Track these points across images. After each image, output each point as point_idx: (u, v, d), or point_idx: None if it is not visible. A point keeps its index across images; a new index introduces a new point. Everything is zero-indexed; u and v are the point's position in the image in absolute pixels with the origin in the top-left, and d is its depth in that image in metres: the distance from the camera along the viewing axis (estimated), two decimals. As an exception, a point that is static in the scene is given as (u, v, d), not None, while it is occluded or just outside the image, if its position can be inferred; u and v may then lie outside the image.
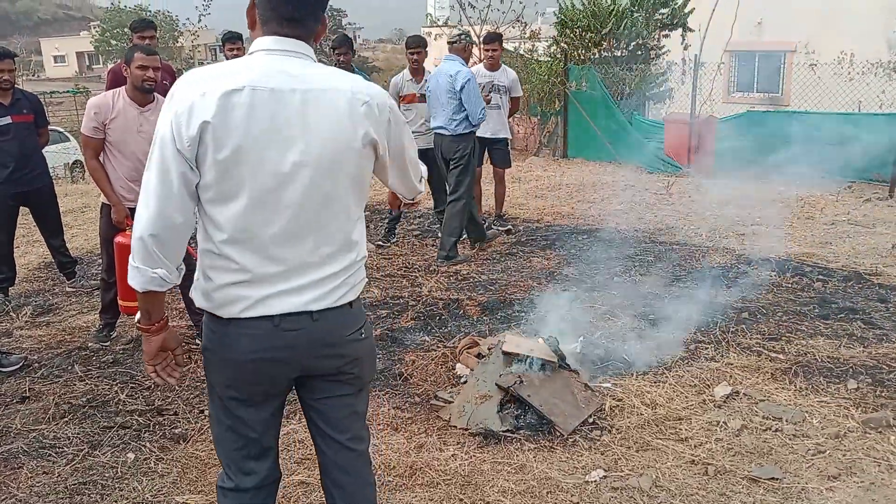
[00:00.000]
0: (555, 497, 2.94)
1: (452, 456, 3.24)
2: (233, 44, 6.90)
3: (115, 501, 2.97)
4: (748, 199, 8.24)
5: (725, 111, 13.44)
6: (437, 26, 18.74)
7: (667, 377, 3.90)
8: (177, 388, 3.91)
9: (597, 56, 13.02)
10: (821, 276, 5.44)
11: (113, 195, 4.23)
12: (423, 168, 2.21)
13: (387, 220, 7.00)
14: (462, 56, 6.13)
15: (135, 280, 1.81)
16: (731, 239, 6.63)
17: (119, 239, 4.09)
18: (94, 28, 50.83)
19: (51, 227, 5.71)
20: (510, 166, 7.17)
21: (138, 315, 1.94)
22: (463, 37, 6.25)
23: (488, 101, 6.66)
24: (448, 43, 6.25)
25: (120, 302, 4.17)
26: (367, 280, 2.05)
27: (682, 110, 12.20)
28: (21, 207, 5.47)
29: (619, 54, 13.25)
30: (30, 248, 7.10)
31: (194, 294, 1.90)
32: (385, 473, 3.09)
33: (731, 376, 3.88)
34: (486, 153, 7.15)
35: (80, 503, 2.97)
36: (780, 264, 5.74)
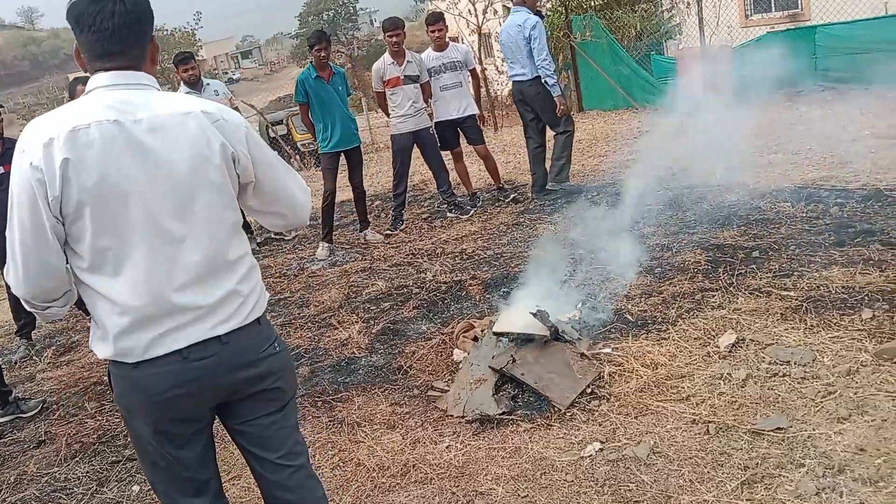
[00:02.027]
0: (549, 478, 2.85)
1: (447, 447, 3.17)
2: (186, 64, 6.42)
3: (119, 537, 3.02)
4: (767, 127, 7.89)
5: (746, 36, 12.88)
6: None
7: (670, 333, 3.75)
8: None
9: (597, 2, 12.63)
10: (838, 200, 5.16)
11: None
12: (304, 199, 2.04)
13: (392, 208, 6.93)
14: (526, 5, 6.51)
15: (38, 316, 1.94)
16: (746, 172, 6.34)
17: None
18: (118, 57, 52.05)
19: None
20: (484, 141, 7.03)
21: None
22: None
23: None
24: None
25: None
26: (269, 294, 1.99)
27: (697, 43, 11.73)
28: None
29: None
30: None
31: (93, 345, 1.84)
32: (378, 475, 3.05)
33: (737, 323, 3.69)
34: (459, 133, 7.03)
35: (85, 543, 3.03)
36: (795, 193, 5.47)
